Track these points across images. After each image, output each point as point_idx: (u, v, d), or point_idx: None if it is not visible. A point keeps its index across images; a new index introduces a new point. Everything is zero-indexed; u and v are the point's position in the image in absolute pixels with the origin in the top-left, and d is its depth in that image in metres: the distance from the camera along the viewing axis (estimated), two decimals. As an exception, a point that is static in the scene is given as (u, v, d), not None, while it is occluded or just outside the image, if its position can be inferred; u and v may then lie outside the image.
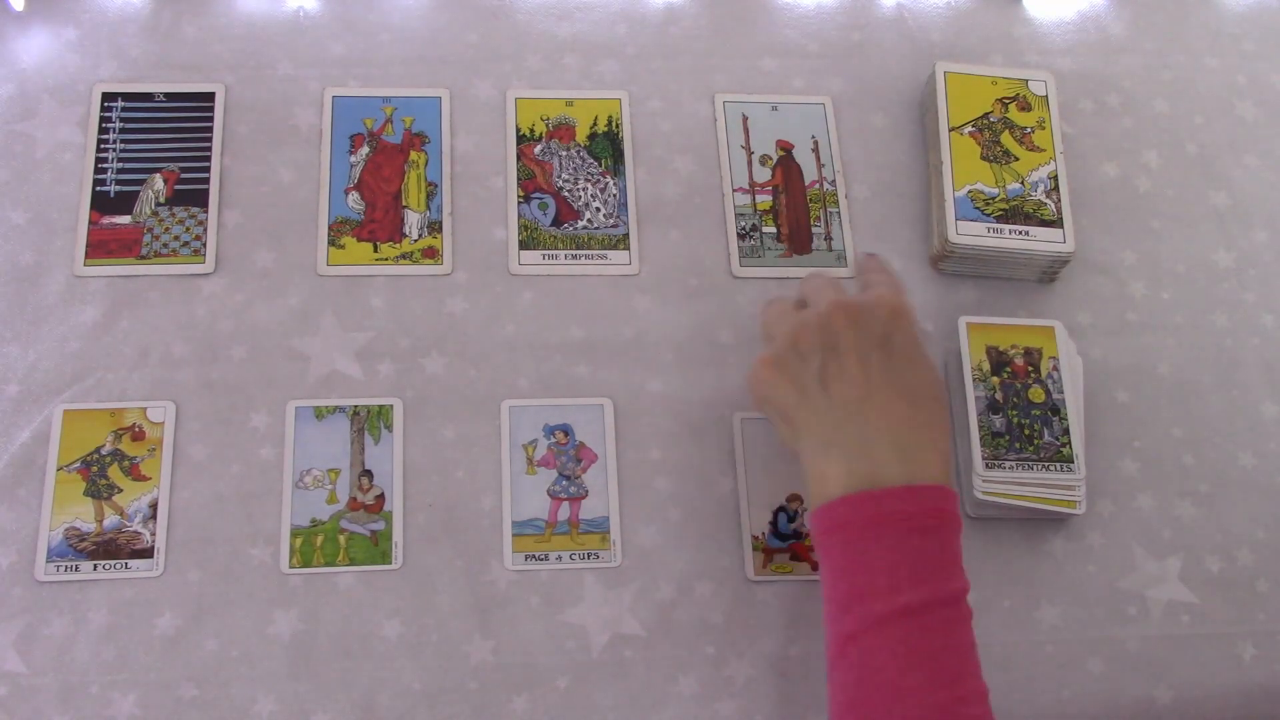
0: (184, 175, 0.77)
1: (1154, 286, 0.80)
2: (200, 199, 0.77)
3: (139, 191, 0.77)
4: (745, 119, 0.82)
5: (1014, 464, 0.71)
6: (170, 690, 0.66)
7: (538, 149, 0.80)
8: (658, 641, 0.69)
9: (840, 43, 0.86)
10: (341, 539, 0.70)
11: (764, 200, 0.80)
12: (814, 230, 0.80)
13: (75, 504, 0.69)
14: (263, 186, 0.77)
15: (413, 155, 0.79)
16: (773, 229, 0.79)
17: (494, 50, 0.83)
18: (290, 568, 0.69)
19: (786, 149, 0.82)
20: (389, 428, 0.72)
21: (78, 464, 0.70)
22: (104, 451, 0.70)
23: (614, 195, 0.79)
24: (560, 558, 0.70)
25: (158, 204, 0.76)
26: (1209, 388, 0.78)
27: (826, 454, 0.59)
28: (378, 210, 0.77)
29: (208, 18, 0.82)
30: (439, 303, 0.75)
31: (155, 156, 0.78)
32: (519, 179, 0.79)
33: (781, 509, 0.72)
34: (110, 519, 0.69)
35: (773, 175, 0.81)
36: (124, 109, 0.78)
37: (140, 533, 0.69)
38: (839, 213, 0.80)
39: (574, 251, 0.78)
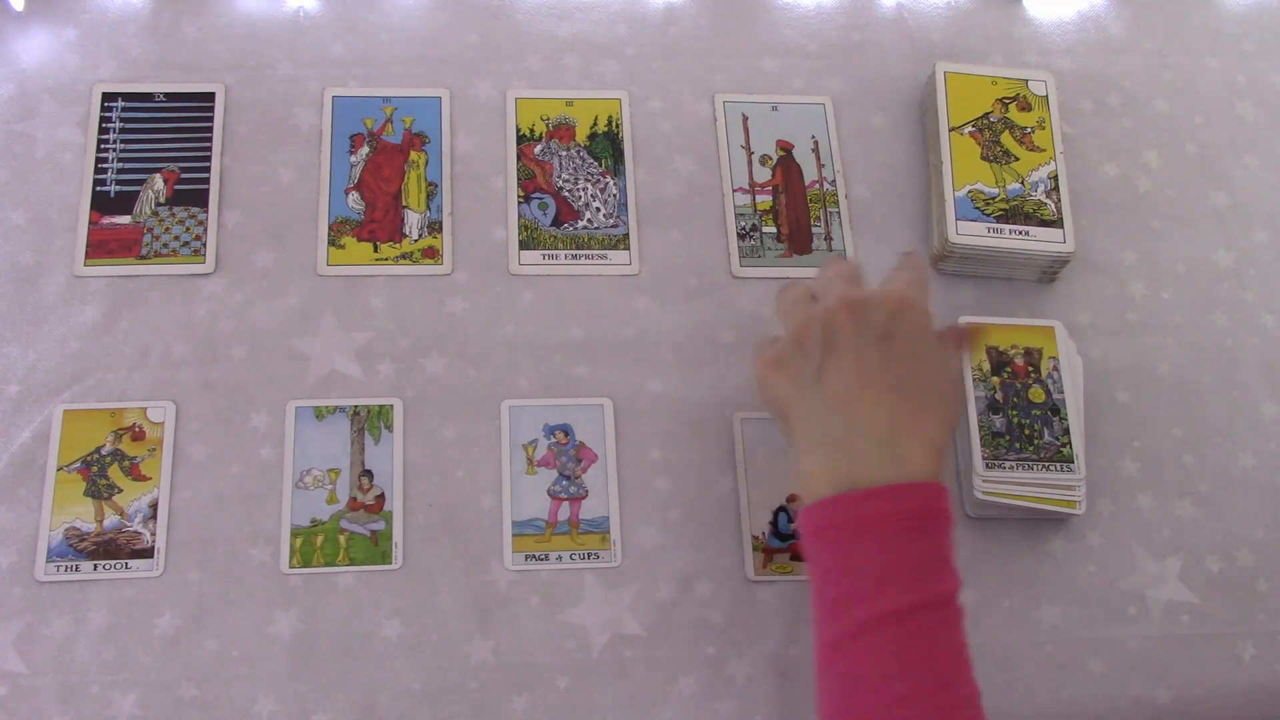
0: (184, 175, 0.77)
1: (1154, 286, 0.80)
2: (200, 199, 0.77)
3: (139, 191, 0.77)
4: (745, 119, 0.82)
5: (1014, 464, 0.71)
6: (170, 690, 0.66)
7: (538, 149, 0.80)
8: (658, 641, 0.69)
9: (840, 43, 0.86)
10: (341, 539, 0.70)
11: (764, 200, 0.80)
12: (814, 230, 0.80)
13: (75, 504, 0.69)
14: (263, 186, 0.77)
15: (413, 155, 0.79)
16: (773, 229, 0.79)
17: (494, 50, 0.83)
18: (290, 568, 0.69)
19: (786, 149, 0.82)
20: (389, 428, 0.72)
21: (78, 464, 0.70)
22: (104, 451, 0.70)
23: (614, 195, 0.79)
24: (560, 558, 0.70)
25: (158, 204, 0.76)
26: (1209, 388, 0.78)
27: (812, 452, 0.58)
28: (378, 210, 0.77)
29: (208, 18, 0.82)
30: (439, 303, 0.75)
31: (155, 156, 0.78)
32: (519, 179, 0.79)
33: (781, 509, 0.72)
34: (110, 519, 0.69)
35: (773, 175, 0.81)
36: (124, 109, 0.78)
37: (140, 533, 0.69)
38: (839, 213, 0.80)
39: (574, 251, 0.78)
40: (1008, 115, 0.80)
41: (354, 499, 0.70)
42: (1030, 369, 0.74)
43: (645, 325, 0.76)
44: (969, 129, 0.79)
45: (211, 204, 0.76)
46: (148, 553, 0.68)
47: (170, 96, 0.79)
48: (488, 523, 0.71)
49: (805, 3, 0.87)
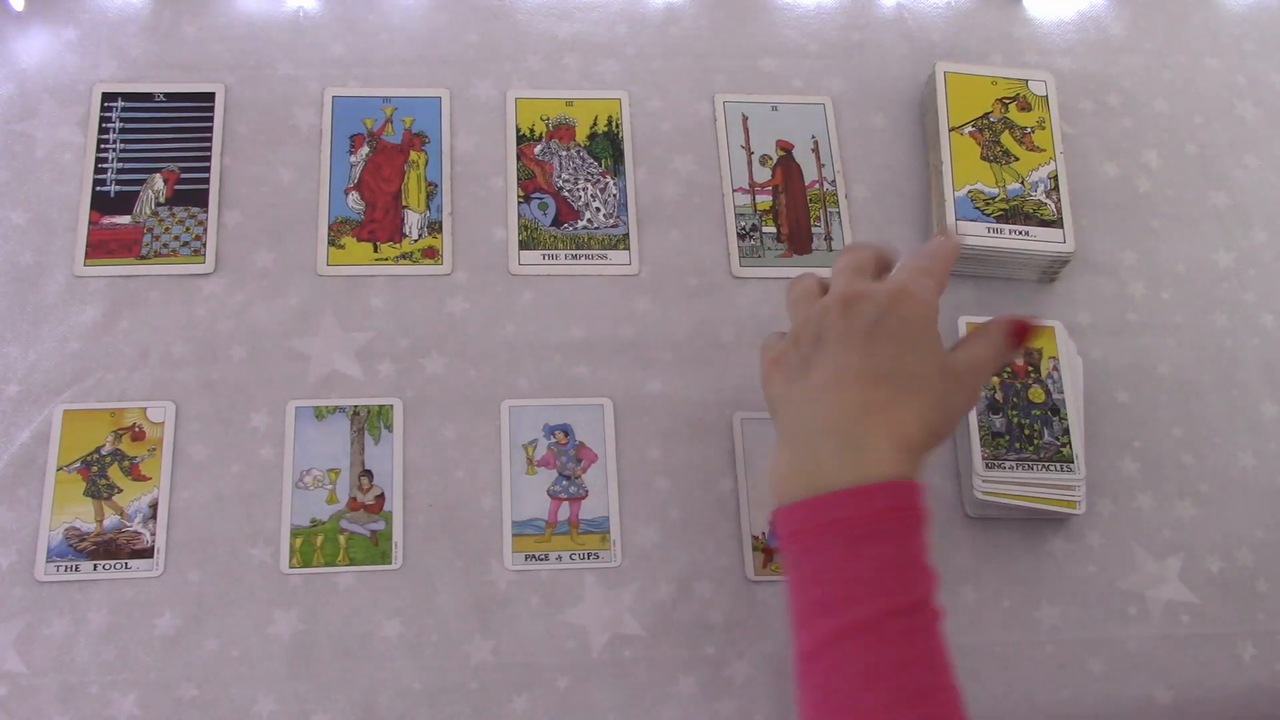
0: (184, 175, 0.77)
1: (1154, 286, 0.80)
2: (200, 199, 0.77)
3: (139, 191, 0.77)
4: (745, 119, 0.82)
5: (1014, 464, 0.71)
6: (170, 690, 0.66)
7: (538, 149, 0.80)
8: (658, 641, 0.69)
9: (840, 43, 0.86)
10: (341, 539, 0.70)
11: (764, 200, 0.80)
12: (814, 230, 0.80)
13: (75, 504, 0.69)
14: (263, 186, 0.77)
15: (413, 155, 0.79)
16: (773, 229, 0.79)
17: (494, 50, 0.83)
18: (290, 568, 0.69)
19: (786, 149, 0.82)
20: (389, 428, 0.72)
21: (78, 464, 0.70)
22: (104, 451, 0.70)
23: (614, 195, 0.79)
24: (560, 558, 0.70)
25: (158, 204, 0.76)
26: (1209, 388, 0.78)
27: (784, 451, 0.56)
28: (378, 210, 0.77)
29: (208, 18, 0.82)
30: (439, 303, 0.75)
31: (155, 156, 0.78)
32: (519, 179, 0.79)
33: (781, 509, 0.72)
34: (110, 519, 0.69)
35: (773, 175, 0.81)
36: (124, 109, 0.78)
37: (140, 533, 0.69)
38: (839, 213, 0.80)
39: (574, 251, 0.78)
40: (1008, 115, 0.80)
41: (354, 499, 0.70)
42: (1030, 369, 0.74)
43: (645, 325, 0.76)
44: (969, 129, 0.79)
45: (211, 204, 0.76)
46: (148, 553, 0.68)
47: (170, 96, 0.79)
48: (488, 523, 0.71)
49: (805, 3, 0.87)
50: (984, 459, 0.71)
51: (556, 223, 0.78)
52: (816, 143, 0.82)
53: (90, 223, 0.75)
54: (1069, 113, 0.84)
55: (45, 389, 0.71)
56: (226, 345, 0.73)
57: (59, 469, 0.70)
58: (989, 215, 0.77)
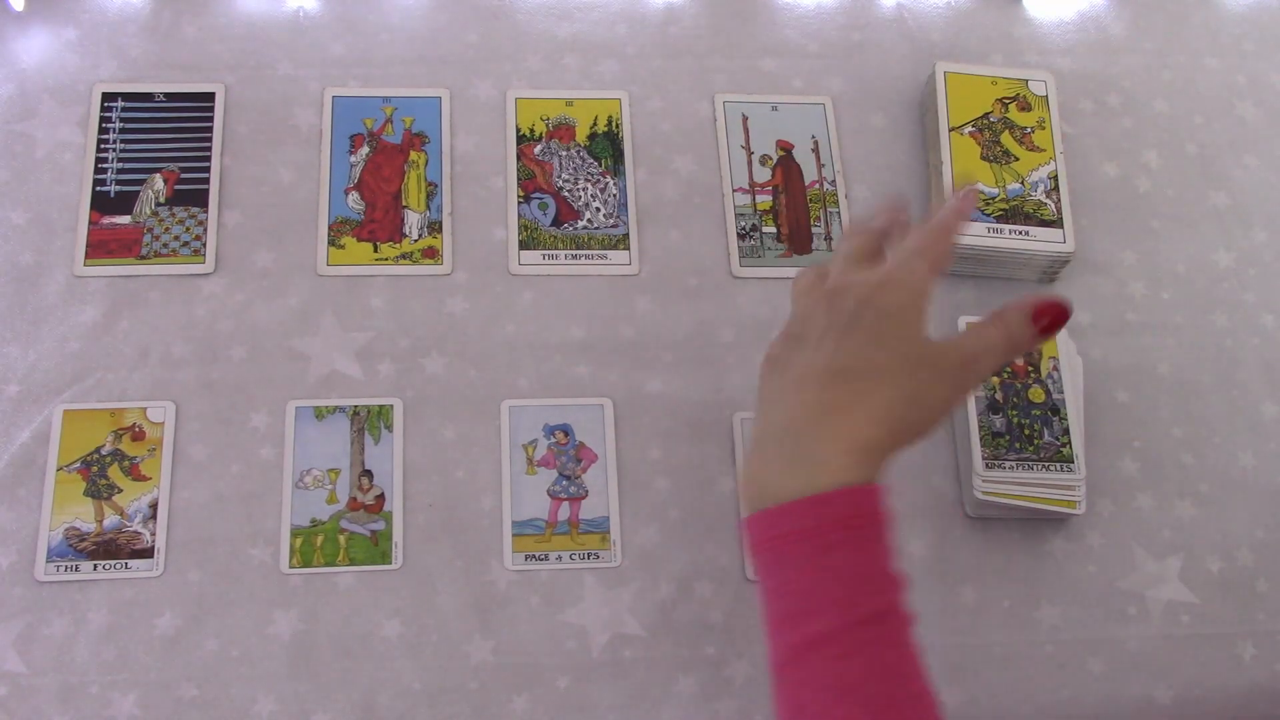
0: (184, 175, 0.77)
1: (1154, 286, 0.80)
2: (200, 199, 0.77)
3: (139, 191, 0.77)
4: (745, 119, 0.82)
5: (1014, 464, 0.71)
6: (170, 690, 0.66)
7: (538, 149, 0.80)
8: (658, 641, 0.69)
9: (840, 43, 0.86)
10: (341, 539, 0.70)
11: (764, 200, 0.80)
12: (814, 230, 0.80)
13: (75, 504, 0.69)
14: (263, 186, 0.77)
15: (413, 155, 0.79)
16: (773, 229, 0.79)
17: (494, 50, 0.83)
18: (290, 568, 0.69)
19: (786, 149, 0.82)
20: (389, 428, 0.72)
21: (78, 464, 0.70)
22: (104, 451, 0.70)
23: (614, 195, 0.79)
24: (560, 558, 0.70)
25: (158, 204, 0.76)
26: (1209, 388, 0.78)
27: (749, 457, 0.54)
28: (378, 210, 0.77)
29: (208, 18, 0.82)
30: (439, 303, 0.75)
31: (155, 156, 0.78)
32: (519, 179, 0.79)
33: (781, 509, 0.72)
34: (110, 519, 0.69)
35: (773, 175, 0.81)
36: (124, 109, 0.78)
37: (140, 533, 0.69)
38: (839, 213, 0.80)
39: (574, 251, 0.78)
40: (1008, 115, 0.80)
41: (354, 499, 0.70)
42: (1030, 369, 0.74)
43: (645, 325, 0.76)
44: (969, 129, 0.79)
45: (211, 204, 0.76)
46: (148, 553, 0.68)
47: (170, 96, 0.79)
48: (488, 523, 0.71)
49: (805, 3, 0.87)
50: (984, 459, 0.71)
51: (556, 223, 0.78)
52: (816, 143, 0.82)
53: (90, 223, 0.75)
54: (1069, 113, 0.84)
55: (45, 389, 0.71)
56: (226, 345, 0.73)
57: (59, 469, 0.70)
58: (989, 215, 0.77)
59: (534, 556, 0.70)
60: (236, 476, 0.70)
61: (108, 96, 0.79)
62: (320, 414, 0.72)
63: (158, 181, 0.77)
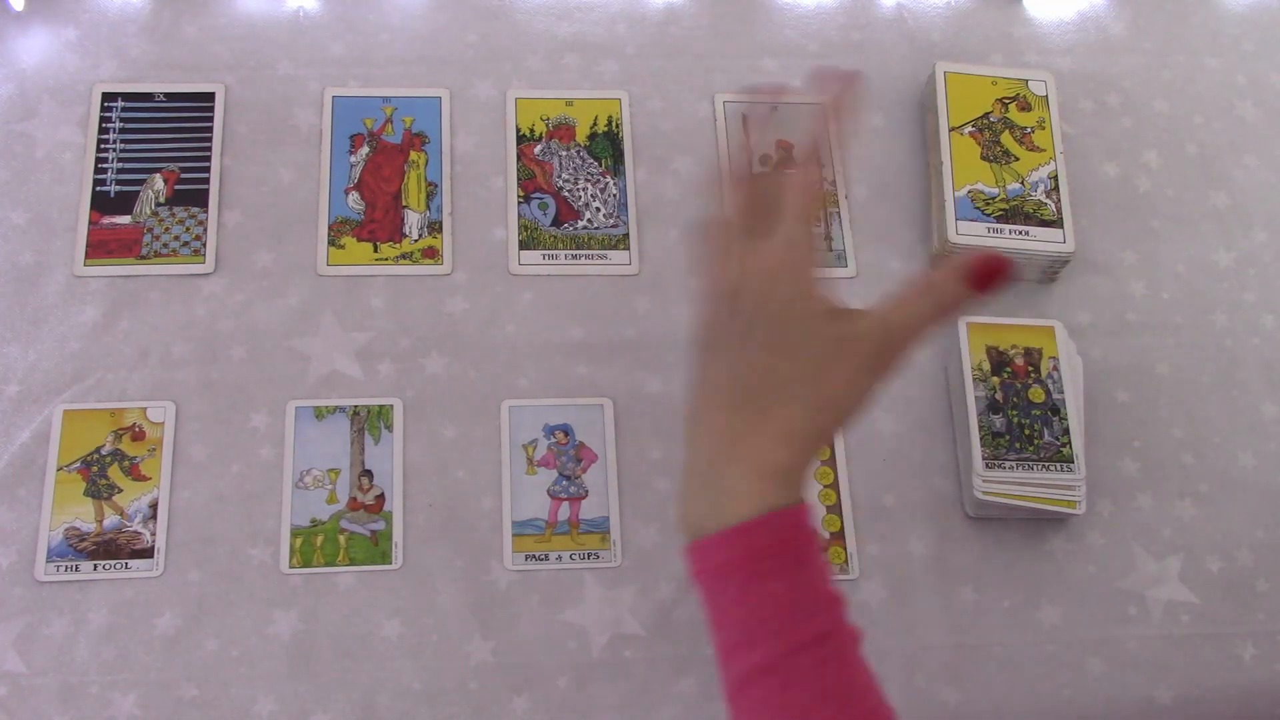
0: (184, 175, 0.77)
1: (1154, 286, 0.80)
2: (200, 199, 0.77)
3: (139, 191, 0.77)
4: (745, 119, 0.82)
5: (1014, 464, 0.71)
6: (170, 690, 0.66)
7: (538, 149, 0.80)
8: (658, 641, 0.69)
9: (840, 43, 0.86)
10: (341, 539, 0.69)
11: (764, 200, 0.80)
12: (814, 230, 0.79)
13: (75, 504, 0.69)
14: (263, 186, 0.77)
15: (413, 155, 0.79)
16: (773, 229, 0.79)
17: (494, 50, 0.83)
18: (290, 568, 0.69)
19: (786, 149, 0.82)
20: (389, 428, 0.72)
21: (78, 464, 0.70)
22: (104, 451, 0.70)
23: (614, 195, 0.79)
24: (560, 558, 0.70)
25: (158, 204, 0.76)
26: (1209, 388, 0.78)
27: (676, 490, 0.52)
28: (378, 210, 0.77)
29: (208, 18, 0.82)
30: (439, 303, 0.75)
31: (155, 156, 0.78)
32: (519, 179, 0.79)
33: (781, 509, 0.72)
34: (110, 519, 0.69)
35: (773, 175, 0.81)
36: (124, 109, 0.78)
37: (140, 533, 0.69)
38: (839, 213, 0.80)
39: (574, 251, 0.78)
40: (1008, 115, 0.80)
41: (354, 499, 0.70)
42: (1030, 369, 0.74)
43: (645, 325, 0.76)
44: (969, 129, 0.79)
45: (211, 204, 0.76)
46: (148, 553, 0.68)
47: (170, 96, 0.79)
48: (488, 523, 0.71)
49: (805, 3, 0.87)
50: (984, 459, 0.71)
51: (556, 223, 0.78)
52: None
53: (90, 223, 0.75)
54: (1069, 113, 0.84)
55: (45, 389, 0.71)
56: (226, 345, 0.73)
57: (59, 469, 0.70)
58: (989, 215, 0.77)
59: (534, 556, 0.70)
60: (236, 476, 0.70)
61: (108, 96, 0.79)
62: (320, 414, 0.72)
63: (158, 181, 0.77)
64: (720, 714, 0.67)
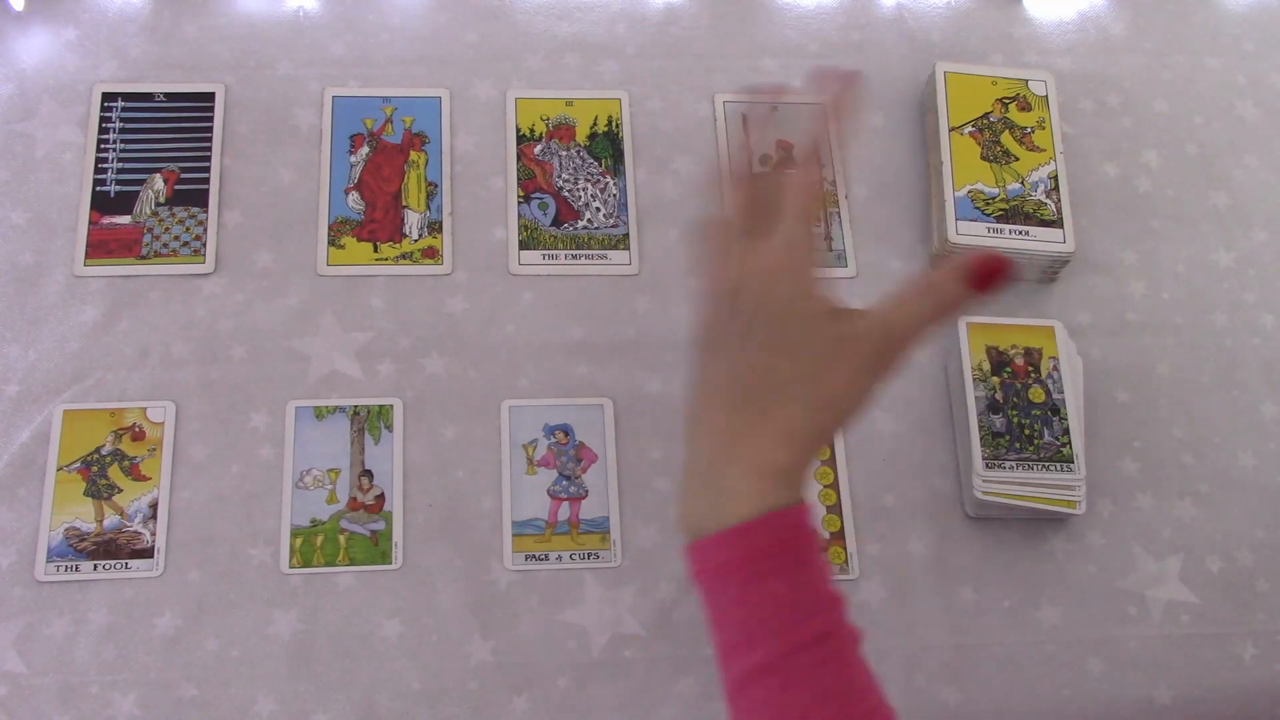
0: (184, 175, 0.77)
1: (1154, 286, 0.80)
2: (200, 199, 0.77)
3: (139, 191, 0.77)
4: (745, 119, 0.82)
5: (1014, 464, 0.71)
6: (170, 690, 0.66)
7: (538, 149, 0.80)
8: (658, 641, 0.69)
9: (840, 43, 0.86)
10: (341, 539, 0.69)
11: (764, 200, 0.80)
12: (814, 230, 0.79)
13: (75, 504, 0.69)
14: (263, 186, 0.77)
15: (413, 155, 0.79)
16: (773, 229, 0.79)
17: (494, 50, 0.83)
18: (290, 568, 0.69)
19: (786, 149, 0.82)
20: (389, 428, 0.72)
21: (78, 464, 0.70)
22: (104, 451, 0.70)
23: (614, 195, 0.79)
24: (560, 558, 0.70)
25: (158, 204, 0.76)
26: (1209, 388, 0.78)
27: (676, 489, 0.52)
28: (378, 210, 0.77)
29: (208, 18, 0.82)
30: (439, 303, 0.75)
31: (155, 156, 0.78)
32: (519, 179, 0.79)
33: (781, 509, 0.72)
34: (110, 519, 0.69)
35: (773, 175, 0.81)
36: (124, 109, 0.78)
37: (140, 533, 0.69)
38: (839, 213, 0.80)
39: (574, 251, 0.78)
40: (1008, 115, 0.80)
41: (354, 499, 0.70)
42: (1030, 369, 0.74)
43: (645, 325, 0.76)
44: (969, 129, 0.79)
45: (211, 204, 0.76)
46: (148, 553, 0.68)
47: (170, 96, 0.79)
48: (488, 523, 0.71)
49: (805, 3, 0.87)
50: (984, 459, 0.71)
51: (556, 223, 0.78)
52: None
53: (90, 223, 0.75)
54: (1069, 113, 0.84)
55: (45, 389, 0.71)
56: (226, 345, 0.73)
57: (59, 469, 0.70)
58: (989, 215, 0.77)
59: (534, 556, 0.70)
60: (236, 476, 0.70)
61: (108, 96, 0.79)
62: (320, 414, 0.72)
63: (158, 181, 0.77)
64: (720, 714, 0.67)
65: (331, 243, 0.76)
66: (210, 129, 0.78)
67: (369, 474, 0.71)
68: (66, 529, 0.68)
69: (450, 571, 0.69)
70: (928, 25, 0.87)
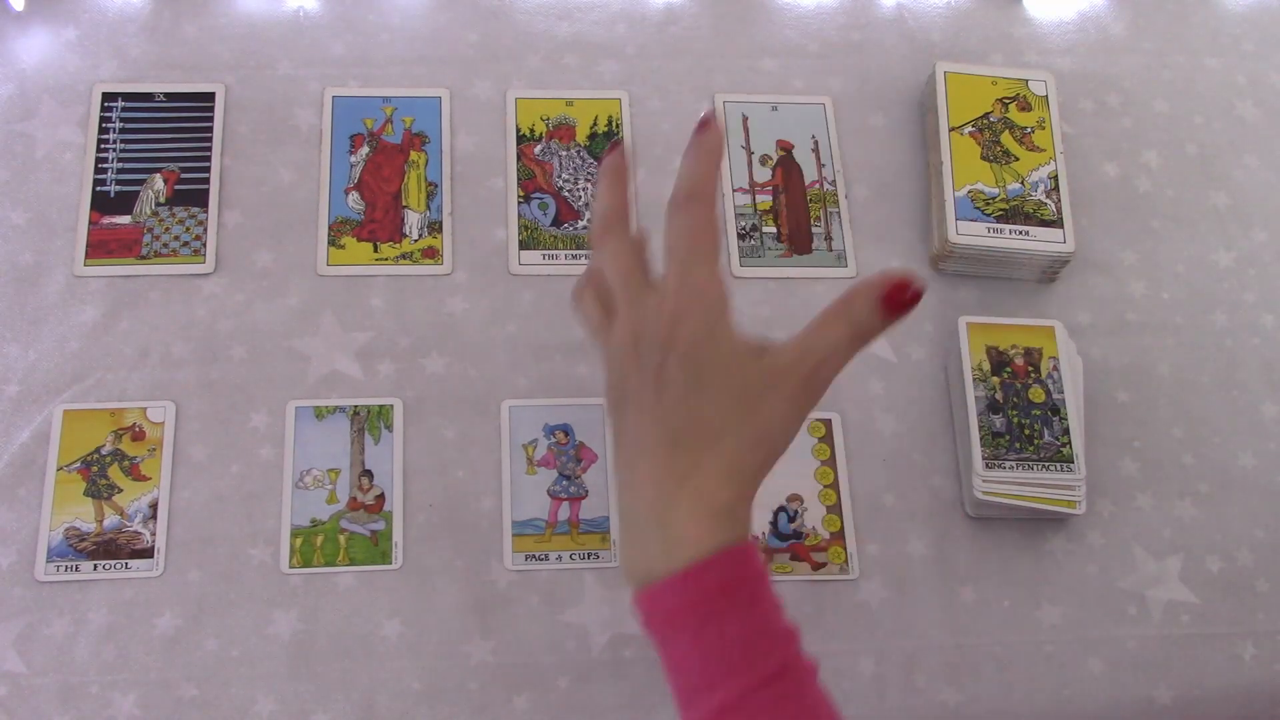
0: (184, 175, 0.77)
1: (1154, 286, 0.80)
2: (200, 199, 0.77)
3: (139, 191, 0.77)
4: (745, 119, 0.82)
5: (1014, 464, 0.71)
6: (170, 690, 0.66)
7: (538, 149, 0.80)
8: (658, 641, 0.68)
9: (840, 43, 0.86)
10: (341, 539, 0.69)
11: (764, 200, 0.80)
12: (814, 230, 0.80)
13: (75, 504, 0.69)
14: (263, 186, 0.77)
15: (413, 155, 0.79)
16: (773, 229, 0.79)
17: (494, 50, 0.83)
18: (290, 568, 0.69)
19: (786, 149, 0.82)
20: (389, 428, 0.72)
21: (78, 464, 0.70)
22: (104, 451, 0.70)
23: (614, 195, 0.79)
24: (560, 558, 0.70)
25: (158, 204, 0.76)
26: (1209, 388, 0.78)
27: (621, 536, 0.52)
28: (378, 210, 0.77)
29: (208, 18, 0.82)
30: (439, 303, 0.75)
31: (155, 156, 0.78)
32: (519, 179, 0.79)
33: (782, 509, 0.72)
34: (110, 519, 0.69)
35: (773, 175, 0.81)
36: (124, 109, 0.78)
37: (140, 533, 0.69)
38: (839, 213, 0.80)
39: (574, 251, 0.78)
40: (1008, 115, 0.80)
41: (354, 499, 0.70)
42: (1030, 369, 0.74)
43: (645, 325, 0.76)
44: (969, 129, 0.79)
45: (211, 204, 0.76)
46: (148, 553, 0.68)
47: (170, 96, 0.79)
48: (488, 523, 0.71)
49: (805, 3, 0.87)
50: (984, 459, 0.71)
51: (556, 223, 0.78)
52: (816, 143, 0.82)
53: (90, 223, 0.75)
54: (1069, 113, 0.84)
55: (45, 389, 0.71)
56: (226, 345, 0.73)
57: (59, 469, 0.70)
58: (989, 215, 0.77)
59: (534, 556, 0.70)
60: (236, 476, 0.70)
61: (108, 96, 0.79)
62: (320, 414, 0.72)
63: (158, 181, 0.77)
64: (720, 714, 0.67)
65: (331, 243, 0.76)
66: (210, 129, 0.78)
67: (369, 474, 0.71)
68: (66, 529, 0.68)
69: (450, 571, 0.69)
70: (928, 25, 0.87)
